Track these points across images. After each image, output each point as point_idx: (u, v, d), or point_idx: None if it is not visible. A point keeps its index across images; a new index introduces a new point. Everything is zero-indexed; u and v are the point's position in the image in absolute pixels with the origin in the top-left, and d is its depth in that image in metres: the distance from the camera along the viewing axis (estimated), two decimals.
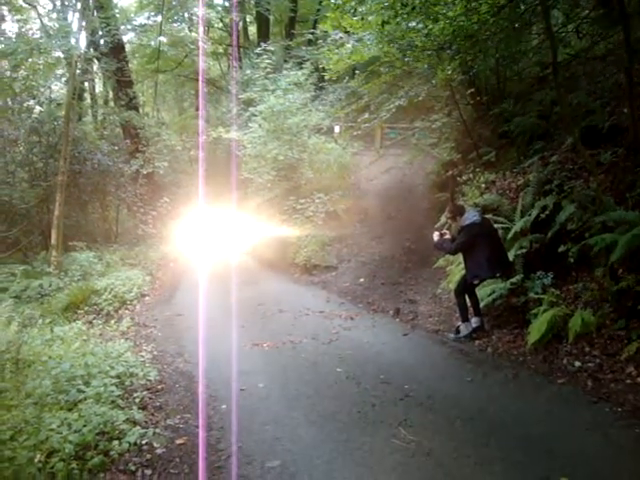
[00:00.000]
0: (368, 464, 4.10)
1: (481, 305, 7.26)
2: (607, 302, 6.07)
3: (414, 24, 8.84)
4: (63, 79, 18.42)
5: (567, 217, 6.97)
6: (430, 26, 8.56)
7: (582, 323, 5.89)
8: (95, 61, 19.22)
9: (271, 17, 24.97)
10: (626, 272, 5.99)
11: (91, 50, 17.85)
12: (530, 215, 7.62)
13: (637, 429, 4.37)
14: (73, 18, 16.53)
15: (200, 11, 20.31)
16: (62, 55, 16.77)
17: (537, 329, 6.23)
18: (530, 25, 9.41)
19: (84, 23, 15.76)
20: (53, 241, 13.72)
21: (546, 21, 7.83)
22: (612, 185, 7.06)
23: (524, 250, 7.40)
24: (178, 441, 4.65)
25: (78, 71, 15.72)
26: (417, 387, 5.61)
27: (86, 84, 21.50)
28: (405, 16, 8.54)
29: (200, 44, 18.67)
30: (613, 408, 4.78)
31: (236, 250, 11.63)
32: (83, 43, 16.93)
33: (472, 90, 11.44)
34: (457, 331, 7.27)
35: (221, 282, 11.20)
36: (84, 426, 4.34)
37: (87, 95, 23.33)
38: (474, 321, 7.13)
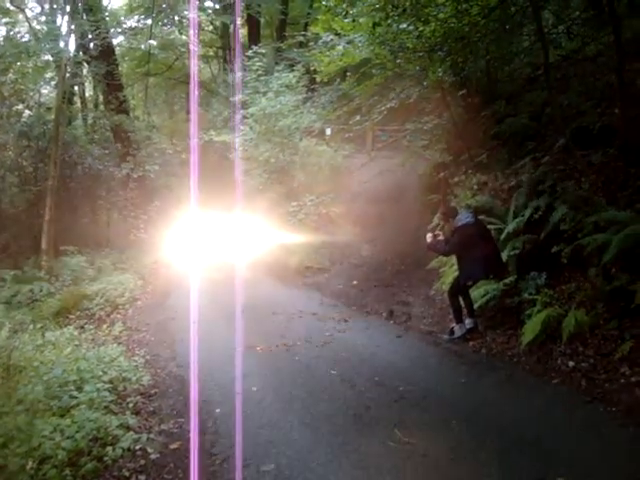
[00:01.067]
0: (364, 466, 4.07)
1: (475, 306, 7.25)
2: (600, 302, 6.07)
3: (405, 26, 8.84)
4: (52, 83, 18.34)
5: (560, 218, 6.98)
6: (421, 28, 8.58)
7: (576, 323, 5.89)
8: (85, 64, 19.11)
9: (262, 20, 24.96)
10: (619, 272, 6.00)
11: (80, 53, 17.76)
12: (523, 216, 7.63)
13: (631, 428, 4.37)
14: (62, 21, 16.46)
15: (191, 14, 20.27)
16: (51, 58, 16.71)
17: (531, 330, 6.23)
18: (521, 26, 9.45)
19: (73, 26, 15.70)
20: (44, 245, 13.64)
21: (537, 22, 7.88)
22: (604, 185, 7.08)
23: (517, 251, 7.40)
24: (172, 446, 4.62)
25: (67, 74, 15.67)
26: (412, 389, 5.60)
27: (76, 88, 21.35)
28: (396, 18, 8.56)
29: (192, 47, 18.59)
30: (607, 408, 4.78)
31: (228, 253, 11.55)
32: (72, 46, 16.88)
33: (463, 92, 11.47)
34: (451, 332, 7.26)
35: (213, 285, 11.15)
36: (77, 432, 4.30)
37: (77, 99, 23.18)
38: (468, 322, 7.12)
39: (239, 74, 15.84)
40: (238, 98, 15.19)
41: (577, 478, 3.72)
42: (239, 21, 26.66)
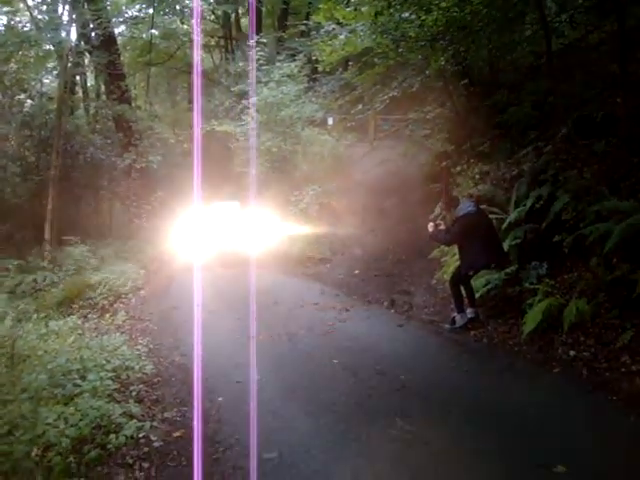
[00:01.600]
0: (365, 455, 4.10)
1: (476, 296, 7.26)
2: (601, 291, 6.07)
3: (407, 15, 8.83)
4: (54, 72, 18.32)
5: (562, 207, 6.98)
6: (423, 17, 8.56)
7: (577, 312, 5.90)
8: (86, 54, 19.09)
9: (263, 9, 24.86)
10: (620, 261, 6.01)
11: (82, 43, 17.72)
12: (525, 205, 7.62)
13: (632, 417, 4.38)
14: (63, 10, 16.40)
15: (194, 2, 20.22)
16: (53, 48, 16.67)
17: (532, 319, 6.24)
18: (523, 15, 9.40)
19: (74, 15, 15.65)
20: (46, 235, 13.69)
21: (540, 10, 7.85)
22: (606, 175, 7.06)
23: (519, 240, 7.41)
24: (175, 434, 4.65)
25: (69, 64, 15.64)
26: (413, 377, 5.62)
27: (78, 77, 21.35)
28: (398, 7, 8.55)
29: (195, 37, 18.58)
30: (608, 396, 4.80)
31: (230, 243, 11.59)
32: (74, 36, 16.83)
33: (465, 81, 11.43)
34: (452, 322, 7.27)
35: (215, 275, 11.19)
36: (81, 420, 4.33)
37: (79, 88, 23.17)
38: (469, 312, 7.12)
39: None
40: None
41: (578, 466, 3.75)
42: (240, 10, 26.59)
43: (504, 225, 7.70)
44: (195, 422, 4.72)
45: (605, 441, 4.08)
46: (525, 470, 3.74)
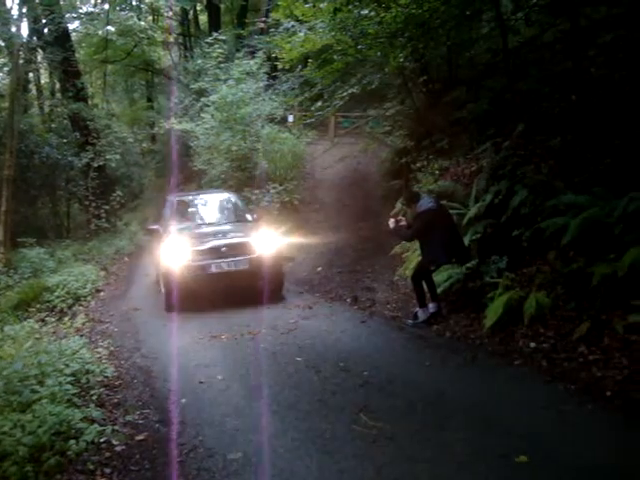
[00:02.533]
0: (330, 451, 4.09)
1: (438, 290, 7.33)
2: (559, 284, 6.17)
3: (366, 12, 8.85)
4: (5, 69, 17.82)
5: (520, 202, 7.08)
6: (382, 14, 8.59)
7: (536, 305, 5.99)
8: (39, 50, 18.61)
9: (222, 5, 24.65)
10: (577, 254, 6.13)
11: (34, 39, 17.26)
12: (484, 200, 7.71)
13: (589, 405, 4.47)
14: (12, 4, 15.94)
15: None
16: (3, 44, 16.20)
17: (493, 312, 6.32)
18: (480, 13, 9.52)
19: (25, 10, 15.22)
20: (0, 237, 13.30)
21: (496, 9, 7.95)
22: (562, 170, 7.19)
23: (479, 235, 7.49)
24: (138, 437, 4.57)
25: (21, 60, 15.21)
26: (376, 373, 5.64)
27: (30, 74, 20.80)
28: (357, 4, 8.57)
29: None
30: (566, 386, 4.88)
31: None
32: (25, 31, 16.39)
33: (424, 78, 11.54)
34: (415, 317, 7.32)
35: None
36: (39, 427, 4.20)
37: (32, 86, 22.58)
38: (431, 306, 7.19)
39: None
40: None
41: (539, 455, 3.81)
42: (198, 7, 26.31)
43: (464, 220, 7.77)
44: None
45: (564, 430, 4.16)
46: (489, 461, 3.78)
